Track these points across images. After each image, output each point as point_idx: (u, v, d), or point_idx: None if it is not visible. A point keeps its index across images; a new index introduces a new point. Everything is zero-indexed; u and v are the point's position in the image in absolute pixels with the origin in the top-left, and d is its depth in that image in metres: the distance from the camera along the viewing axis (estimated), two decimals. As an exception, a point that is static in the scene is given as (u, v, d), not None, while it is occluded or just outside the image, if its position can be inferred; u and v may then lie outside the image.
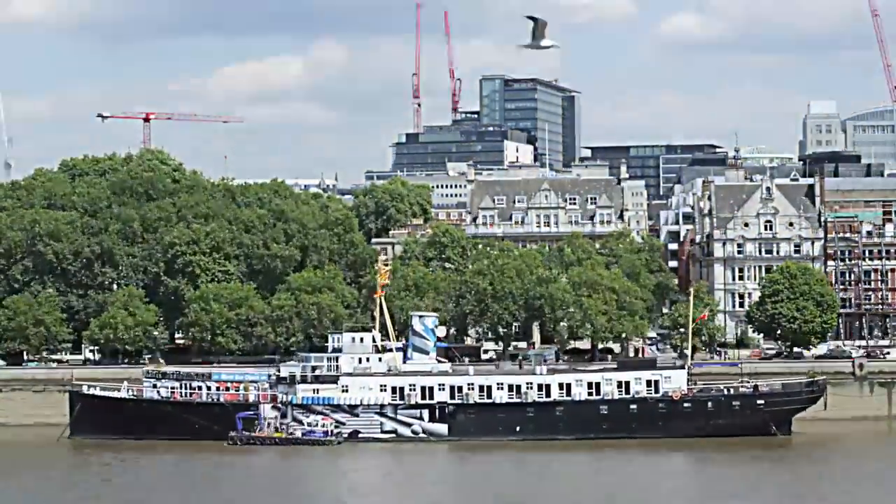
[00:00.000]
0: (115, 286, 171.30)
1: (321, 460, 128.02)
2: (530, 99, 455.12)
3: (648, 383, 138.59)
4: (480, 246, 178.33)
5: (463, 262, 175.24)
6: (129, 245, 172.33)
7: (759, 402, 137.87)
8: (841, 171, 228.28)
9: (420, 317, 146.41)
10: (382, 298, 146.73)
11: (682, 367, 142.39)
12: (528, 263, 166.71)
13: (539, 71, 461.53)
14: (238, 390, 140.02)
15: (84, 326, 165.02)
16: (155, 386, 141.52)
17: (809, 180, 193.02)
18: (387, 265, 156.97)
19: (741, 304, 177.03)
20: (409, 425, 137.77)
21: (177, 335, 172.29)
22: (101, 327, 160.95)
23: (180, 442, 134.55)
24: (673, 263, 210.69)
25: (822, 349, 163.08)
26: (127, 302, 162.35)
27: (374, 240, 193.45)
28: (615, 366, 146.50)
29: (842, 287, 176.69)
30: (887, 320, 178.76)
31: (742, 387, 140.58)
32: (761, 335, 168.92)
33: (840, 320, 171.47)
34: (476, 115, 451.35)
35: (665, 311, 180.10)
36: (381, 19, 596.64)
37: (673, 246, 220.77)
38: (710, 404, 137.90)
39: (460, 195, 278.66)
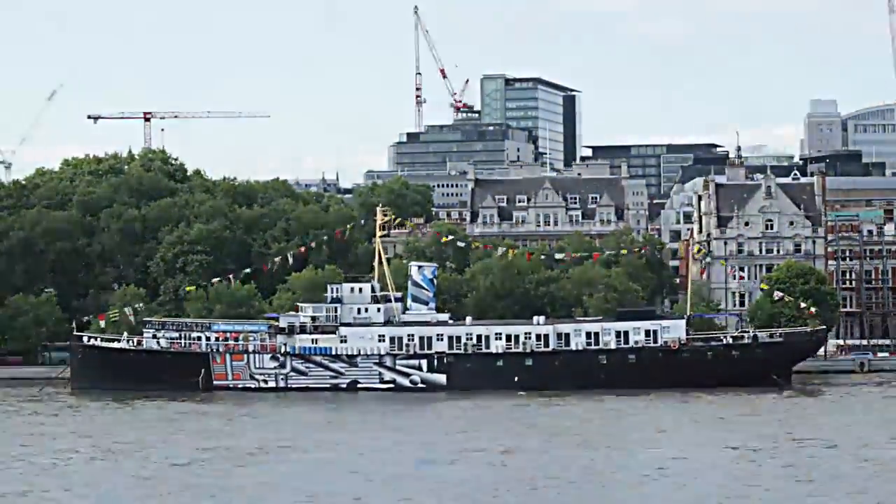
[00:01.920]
0: (115, 286, 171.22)
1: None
2: (531, 98, 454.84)
3: (647, 333, 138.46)
4: (482, 245, 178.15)
5: (464, 262, 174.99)
6: (130, 245, 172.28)
7: (758, 350, 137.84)
8: (842, 170, 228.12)
9: (419, 267, 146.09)
10: (381, 249, 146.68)
11: (682, 317, 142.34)
12: (529, 262, 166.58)
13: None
14: (238, 340, 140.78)
15: (84, 326, 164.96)
16: (155, 336, 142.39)
17: (810, 179, 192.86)
18: (385, 215, 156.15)
19: (742, 303, 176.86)
20: (407, 375, 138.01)
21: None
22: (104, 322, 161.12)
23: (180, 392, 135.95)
24: (674, 263, 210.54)
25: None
26: (127, 301, 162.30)
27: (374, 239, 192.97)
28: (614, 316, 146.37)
29: (843, 286, 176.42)
30: (888, 320, 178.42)
31: (742, 336, 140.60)
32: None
33: (841, 319, 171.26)
34: (477, 115, 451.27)
35: (666, 309, 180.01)
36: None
37: (674, 245, 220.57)
38: (709, 354, 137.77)
39: (461, 194, 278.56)
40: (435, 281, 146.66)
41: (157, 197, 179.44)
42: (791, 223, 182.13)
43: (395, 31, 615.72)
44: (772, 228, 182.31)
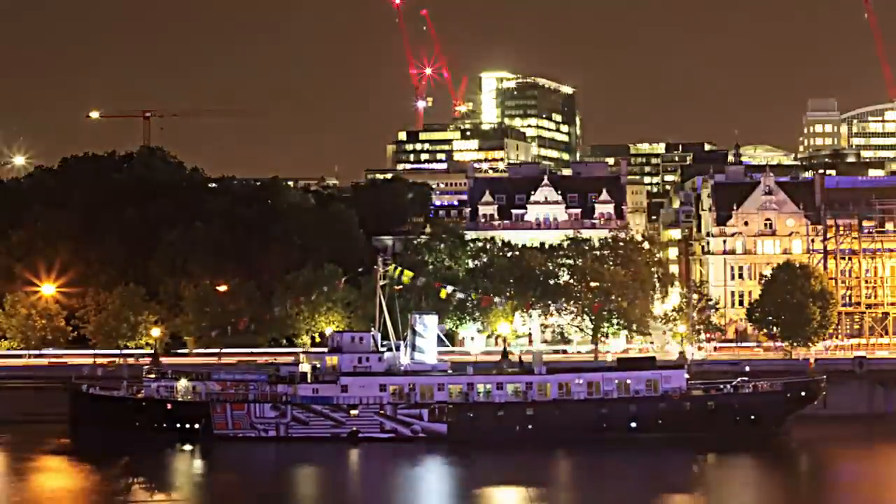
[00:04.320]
0: (115, 285, 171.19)
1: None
2: (531, 97, 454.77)
3: (648, 383, 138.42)
4: (481, 244, 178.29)
5: (463, 260, 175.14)
6: (129, 244, 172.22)
7: (757, 400, 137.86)
8: (840, 168, 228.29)
9: (420, 316, 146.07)
10: (382, 297, 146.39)
11: (682, 367, 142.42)
12: (528, 261, 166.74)
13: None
14: (238, 389, 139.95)
15: (84, 325, 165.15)
16: (154, 385, 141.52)
17: (809, 178, 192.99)
18: (387, 263, 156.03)
19: (741, 302, 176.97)
20: (408, 425, 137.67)
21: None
22: (100, 326, 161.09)
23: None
24: (673, 261, 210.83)
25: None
26: (127, 301, 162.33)
27: (374, 238, 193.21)
28: (614, 365, 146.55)
29: (842, 285, 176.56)
30: (887, 318, 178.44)
31: (741, 385, 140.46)
32: (761, 333, 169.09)
33: (839, 318, 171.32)
34: (476, 113, 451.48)
35: (665, 307, 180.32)
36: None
37: (673, 244, 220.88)
38: (710, 403, 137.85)
39: (460, 193, 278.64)
40: (436, 330, 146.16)
41: (156, 196, 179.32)
42: (790, 222, 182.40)
43: (396, 29, 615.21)
44: (771, 227, 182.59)
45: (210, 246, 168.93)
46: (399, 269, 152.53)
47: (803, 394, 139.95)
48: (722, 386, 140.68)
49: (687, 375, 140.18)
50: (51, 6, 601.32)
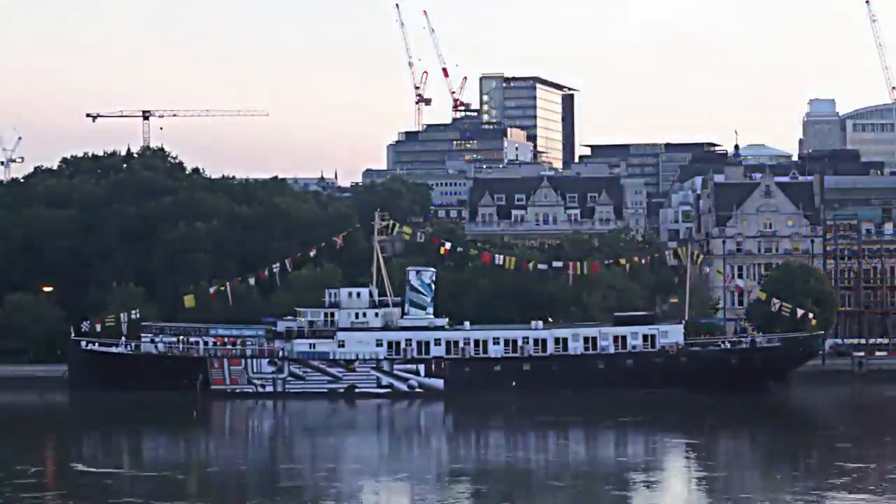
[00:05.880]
0: (114, 284, 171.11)
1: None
2: (530, 97, 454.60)
3: (645, 338, 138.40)
4: (480, 244, 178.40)
5: (463, 260, 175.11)
6: (129, 243, 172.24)
7: (756, 355, 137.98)
8: (840, 169, 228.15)
9: (417, 272, 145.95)
10: (379, 253, 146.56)
11: (679, 322, 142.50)
12: (527, 261, 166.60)
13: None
14: (235, 345, 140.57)
15: (83, 324, 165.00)
16: (153, 340, 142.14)
17: (809, 178, 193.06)
18: (384, 219, 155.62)
19: (740, 303, 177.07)
20: (405, 380, 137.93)
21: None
22: (100, 325, 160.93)
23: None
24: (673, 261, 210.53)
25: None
26: (126, 300, 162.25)
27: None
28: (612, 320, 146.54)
29: (841, 286, 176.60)
30: (886, 319, 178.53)
31: (740, 340, 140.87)
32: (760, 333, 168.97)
33: (839, 319, 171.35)
34: (475, 113, 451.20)
35: (664, 307, 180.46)
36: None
37: (672, 244, 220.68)
38: (707, 359, 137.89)
39: (460, 193, 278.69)
40: (433, 286, 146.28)
41: (157, 195, 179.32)
42: (789, 222, 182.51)
43: (395, 29, 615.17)
44: (770, 227, 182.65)
45: (210, 245, 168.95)
46: (396, 225, 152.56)
47: (801, 349, 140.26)
48: (720, 341, 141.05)
49: (684, 331, 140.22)
50: (51, 5, 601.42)
